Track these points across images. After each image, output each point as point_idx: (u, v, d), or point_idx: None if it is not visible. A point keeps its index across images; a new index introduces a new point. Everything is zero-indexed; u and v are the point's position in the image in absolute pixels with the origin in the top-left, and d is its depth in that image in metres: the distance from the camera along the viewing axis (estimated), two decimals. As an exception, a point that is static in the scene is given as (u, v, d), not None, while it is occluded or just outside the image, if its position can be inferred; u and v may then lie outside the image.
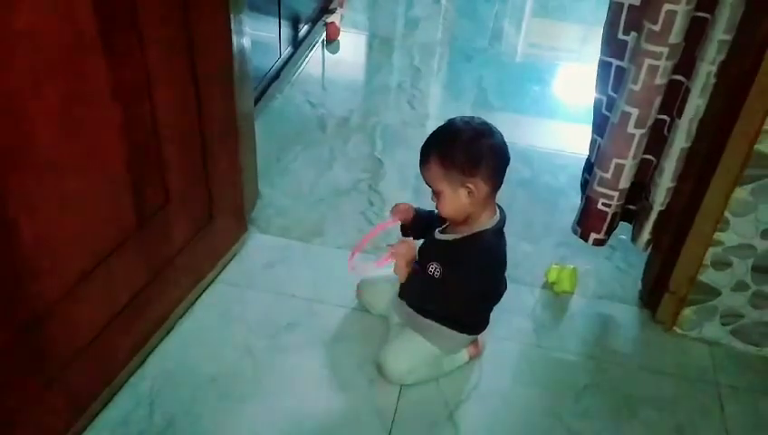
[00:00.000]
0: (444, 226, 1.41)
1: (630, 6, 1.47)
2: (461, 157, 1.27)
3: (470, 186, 1.28)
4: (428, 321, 1.43)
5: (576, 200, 1.89)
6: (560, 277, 1.72)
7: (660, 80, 1.45)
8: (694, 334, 1.61)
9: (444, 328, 1.43)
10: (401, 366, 1.43)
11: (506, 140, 1.33)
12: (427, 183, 1.34)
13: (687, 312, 1.58)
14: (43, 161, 1.05)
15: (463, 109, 2.45)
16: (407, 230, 1.50)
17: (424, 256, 1.40)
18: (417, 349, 1.43)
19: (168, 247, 1.45)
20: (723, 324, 1.57)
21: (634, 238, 1.71)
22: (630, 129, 1.51)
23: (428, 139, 1.34)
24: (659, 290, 1.63)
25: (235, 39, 1.50)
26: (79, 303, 1.20)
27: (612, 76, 1.58)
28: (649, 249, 1.69)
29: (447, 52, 2.94)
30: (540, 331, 1.63)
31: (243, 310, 1.61)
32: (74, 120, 1.08)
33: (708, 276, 1.52)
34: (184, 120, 1.39)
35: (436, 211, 1.48)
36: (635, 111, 1.49)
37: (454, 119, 1.34)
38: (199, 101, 1.41)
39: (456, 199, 1.30)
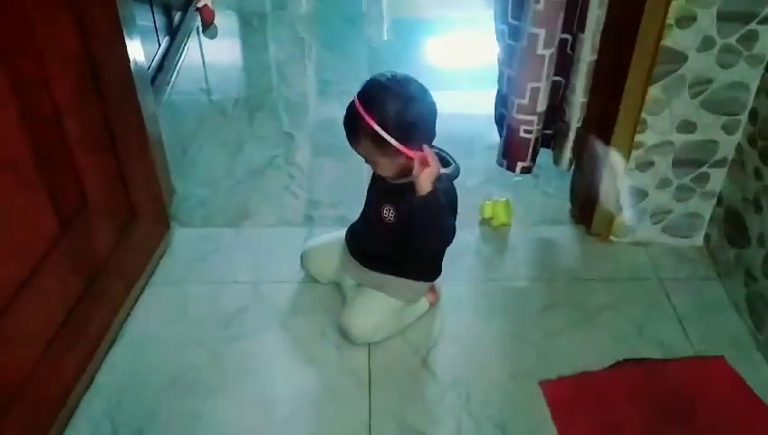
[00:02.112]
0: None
1: (519, -70, 1.49)
2: (393, 131, 1.20)
3: (410, 151, 1.21)
4: (385, 275, 1.41)
5: (490, 139, 1.92)
6: (495, 211, 1.74)
7: (560, -4, 1.49)
8: (628, 239, 1.68)
9: (401, 279, 1.41)
10: (366, 325, 1.40)
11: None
12: (358, 153, 1.29)
13: (620, 219, 1.65)
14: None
15: (360, 72, 2.42)
16: None
17: (376, 199, 1.36)
18: (378, 305, 1.41)
19: (95, 253, 1.34)
20: (653, 223, 1.65)
21: (556, 161, 1.75)
22: (540, 50, 1.53)
23: (352, 114, 1.24)
24: (591, 203, 1.68)
25: (126, 32, 1.39)
26: (15, 324, 1.08)
27: (510, 3, 1.61)
28: (572, 168, 1.74)
29: (327, 18, 2.89)
30: (488, 265, 1.64)
31: (185, 307, 1.52)
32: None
33: (634, 180, 1.58)
34: (91, 122, 1.29)
35: None
36: (541, 32, 1.51)
37: (372, 82, 1.25)
38: (104, 102, 1.31)
39: (395, 164, 1.27)
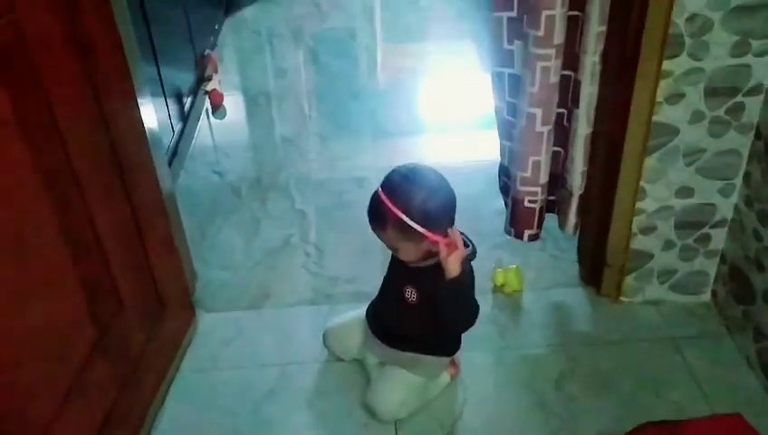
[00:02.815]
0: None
1: (509, 19, 1.58)
2: (422, 221, 1.27)
3: (434, 237, 1.28)
4: (407, 353, 1.46)
5: (496, 204, 1.99)
6: (507, 278, 1.80)
7: (554, 78, 1.57)
8: (639, 299, 1.73)
9: (423, 356, 1.46)
10: (392, 403, 1.45)
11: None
12: (381, 240, 1.36)
13: (628, 280, 1.71)
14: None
15: (366, 146, 2.52)
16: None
17: (397, 280, 1.43)
18: (402, 382, 1.46)
19: (130, 351, 1.40)
20: (661, 283, 1.71)
21: (561, 226, 1.82)
22: (538, 127, 1.62)
23: (377, 204, 1.31)
24: (598, 266, 1.74)
25: (146, 123, 1.48)
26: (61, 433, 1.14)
27: (507, 84, 1.70)
28: (578, 232, 1.81)
29: (330, 93, 3.00)
30: (504, 333, 1.70)
31: (216, 394, 1.57)
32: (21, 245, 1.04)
33: (639, 243, 1.65)
34: (120, 217, 1.36)
35: None
36: (539, 111, 1.60)
37: (394, 173, 1.32)
38: (130, 195, 1.38)
39: (418, 249, 1.33)
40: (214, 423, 1.49)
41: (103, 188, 1.30)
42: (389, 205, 1.28)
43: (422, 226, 1.27)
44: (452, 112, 2.83)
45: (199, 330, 1.74)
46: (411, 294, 1.41)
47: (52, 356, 1.14)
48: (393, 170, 1.34)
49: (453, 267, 1.27)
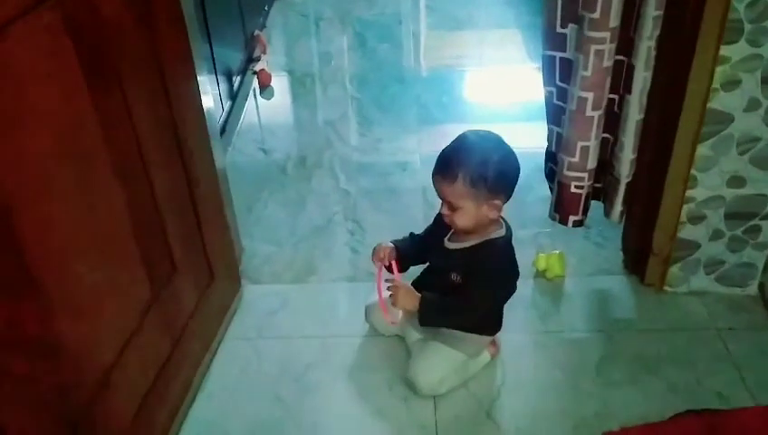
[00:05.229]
0: (450, 234, 1.46)
1: (564, 1, 1.58)
2: (493, 179, 1.31)
3: (497, 202, 1.34)
4: (450, 330, 1.48)
5: (540, 191, 1.99)
6: (549, 264, 1.80)
7: (607, 62, 1.56)
8: (683, 289, 1.72)
9: (465, 334, 1.48)
10: (433, 378, 1.47)
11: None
12: (442, 197, 1.37)
13: (674, 269, 1.69)
14: (67, 249, 1.05)
15: (410, 130, 2.54)
16: (399, 266, 1.48)
17: (441, 269, 1.45)
18: (444, 358, 1.48)
19: (182, 315, 1.45)
20: (707, 274, 1.69)
21: (607, 213, 1.81)
22: (589, 112, 1.61)
23: (452, 157, 1.34)
24: (643, 255, 1.73)
25: (203, 99, 1.52)
26: (117, 385, 1.19)
27: (558, 68, 1.70)
28: (623, 220, 1.80)
29: (376, 77, 3.02)
30: (545, 317, 1.70)
31: (260, 361, 1.61)
32: (85, 203, 1.09)
33: (686, 232, 1.63)
34: (176, 185, 1.40)
35: (414, 234, 1.56)
36: (590, 95, 1.59)
37: (468, 135, 1.37)
38: (185, 163, 1.42)
39: (477, 214, 1.35)
40: (257, 388, 1.53)
41: (163, 160, 1.35)
42: (469, 154, 1.32)
43: (494, 183, 1.31)
44: (497, 100, 2.83)
45: (245, 300, 1.78)
46: (456, 277, 1.43)
47: (111, 309, 1.18)
48: (471, 130, 1.38)
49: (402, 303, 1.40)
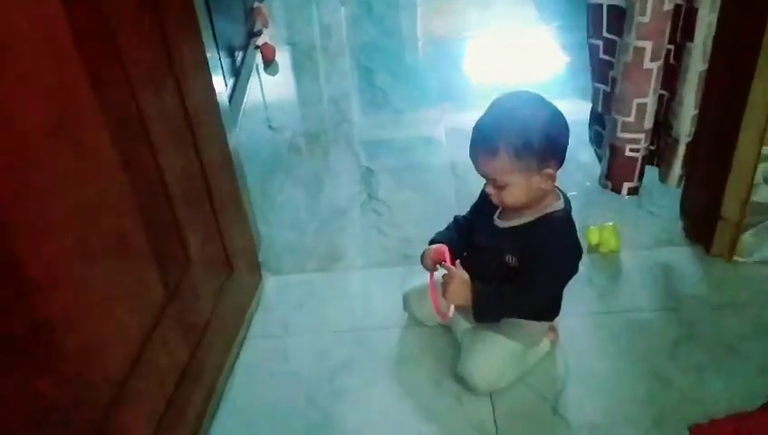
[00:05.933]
0: (498, 211, 1.28)
1: (614, -60, 1.39)
2: (540, 144, 1.13)
3: (548, 171, 1.15)
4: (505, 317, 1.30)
5: (583, 159, 1.82)
6: (602, 237, 1.62)
7: (668, 5, 1.38)
8: (755, 258, 1.54)
9: (522, 320, 1.30)
10: (490, 374, 1.29)
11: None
12: (484, 175, 1.19)
13: (746, 236, 1.51)
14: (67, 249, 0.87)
15: (430, 97, 2.34)
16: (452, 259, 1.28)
17: (492, 250, 1.26)
18: (499, 351, 1.30)
19: (200, 314, 1.27)
20: (784, 240, 1.51)
21: (663, 178, 1.63)
22: (647, 63, 1.43)
23: (489, 128, 1.16)
24: (709, 222, 1.55)
25: (213, 76, 1.35)
26: (132, 401, 1.02)
27: (606, 17, 1.51)
28: (682, 184, 1.62)
29: (387, 46, 2.82)
30: (604, 296, 1.52)
31: (287, 361, 1.44)
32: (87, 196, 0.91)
33: (761, 194, 1.45)
34: (189, 173, 1.23)
35: (459, 218, 1.38)
36: (648, 44, 1.41)
37: (503, 100, 1.18)
38: (198, 151, 1.25)
39: (529, 188, 1.17)
40: (286, 391, 1.36)
41: (173, 142, 1.18)
42: (510, 124, 1.14)
43: (542, 149, 1.13)
44: (518, 67, 2.63)
45: (266, 294, 1.60)
46: (511, 260, 1.24)
47: (122, 315, 1.01)
48: (508, 92, 1.20)
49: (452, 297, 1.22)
